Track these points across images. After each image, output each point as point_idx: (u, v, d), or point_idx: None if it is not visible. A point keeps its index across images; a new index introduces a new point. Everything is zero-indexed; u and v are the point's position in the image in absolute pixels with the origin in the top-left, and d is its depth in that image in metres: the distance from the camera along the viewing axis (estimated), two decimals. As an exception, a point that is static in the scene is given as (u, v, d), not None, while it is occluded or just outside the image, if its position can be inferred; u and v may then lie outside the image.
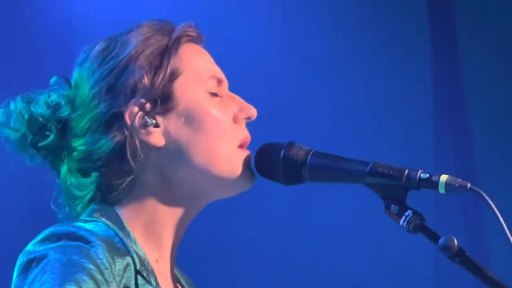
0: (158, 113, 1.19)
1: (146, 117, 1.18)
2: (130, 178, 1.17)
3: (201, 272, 3.06)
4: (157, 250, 1.20)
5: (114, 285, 1.06)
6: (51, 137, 1.18)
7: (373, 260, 3.37)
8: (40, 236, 1.08)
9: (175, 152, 1.18)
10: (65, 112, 1.18)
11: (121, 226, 1.15)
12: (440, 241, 1.12)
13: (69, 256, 1.04)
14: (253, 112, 1.24)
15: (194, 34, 1.25)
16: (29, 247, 1.08)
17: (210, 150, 1.19)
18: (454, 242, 1.12)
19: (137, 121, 1.17)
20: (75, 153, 1.18)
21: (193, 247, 3.08)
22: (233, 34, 3.54)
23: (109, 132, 1.16)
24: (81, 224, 1.11)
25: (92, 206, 1.18)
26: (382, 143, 3.42)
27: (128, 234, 1.15)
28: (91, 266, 1.03)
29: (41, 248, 1.06)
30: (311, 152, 1.22)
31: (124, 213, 1.18)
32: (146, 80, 1.17)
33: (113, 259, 1.07)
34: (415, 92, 3.73)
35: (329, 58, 3.56)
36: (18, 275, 1.07)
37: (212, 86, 1.23)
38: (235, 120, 1.23)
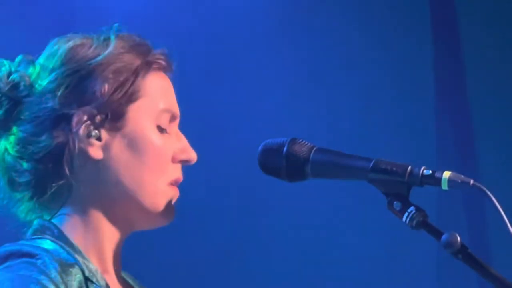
0: (105, 128, 1.18)
1: (91, 128, 1.17)
2: (62, 182, 1.17)
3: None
4: (101, 260, 1.21)
5: None
6: (0, 111, 1.18)
7: (375, 258, 3.40)
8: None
9: (110, 170, 1.19)
10: (21, 93, 1.18)
11: (65, 240, 1.16)
12: (443, 237, 1.12)
13: (17, 273, 1.05)
14: (192, 156, 1.25)
15: (164, 63, 1.24)
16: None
17: (140, 180, 1.19)
18: (457, 238, 1.11)
19: (82, 128, 1.16)
20: (12, 137, 1.18)
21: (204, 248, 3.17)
22: (235, 32, 3.58)
23: (53, 130, 1.16)
24: (25, 242, 1.13)
25: (34, 226, 1.18)
26: (384, 140, 3.44)
27: (72, 246, 1.15)
28: (41, 277, 1.05)
29: None
30: (314, 149, 1.22)
31: (65, 227, 1.18)
32: (104, 92, 1.17)
33: (61, 267, 1.08)
34: (417, 89, 3.75)
35: (331, 55, 3.58)
36: None
37: (164, 120, 1.23)
38: (173, 159, 1.24)
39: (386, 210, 1.19)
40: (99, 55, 1.18)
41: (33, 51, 1.31)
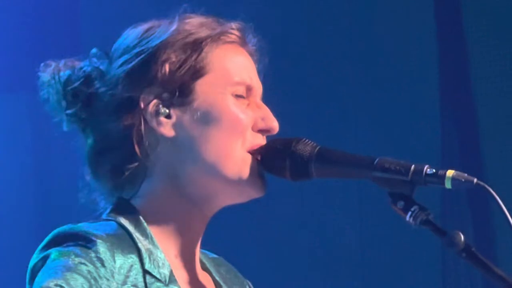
0: (174, 105, 1.17)
1: (160, 106, 1.16)
2: (135, 164, 1.16)
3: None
4: (175, 246, 1.18)
5: (113, 282, 1.06)
6: (78, 106, 1.19)
7: (379, 257, 3.38)
8: (45, 241, 1.10)
9: (184, 147, 1.16)
10: (93, 85, 1.18)
11: (138, 223, 1.15)
12: (447, 236, 1.11)
13: (67, 256, 1.05)
14: (274, 125, 1.21)
15: (237, 36, 1.22)
16: (36, 253, 1.10)
17: (219, 150, 1.16)
18: (461, 237, 1.10)
19: (150, 108, 1.16)
20: (93, 130, 1.19)
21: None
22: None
23: (122, 114, 1.16)
24: (85, 224, 1.12)
25: (111, 205, 1.18)
26: (388, 139, 3.46)
27: (144, 231, 1.14)
28: (86, 263, 1.04)
29: (45, 252, 1.08)
30: (318, 148, 1.20)
31: (141, 207, 1.17)
32: (167, 71, 1.16)
33: (113, 257, 1.07)
34: (422, 88, 3.75)
35: (334, 50, 3.57)
36: (28, 281, 1.10)
37: (238, 89, 1.20)
38: (253, 127, 1.20)
39: (390, 209, 1.19)
40: (162, 35, 1.17)
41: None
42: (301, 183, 1.24)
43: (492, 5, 3.79)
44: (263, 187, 1.20)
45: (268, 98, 1.25)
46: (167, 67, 1.16)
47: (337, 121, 3.39)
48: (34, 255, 1.10)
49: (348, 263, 3.54)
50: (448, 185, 1.13)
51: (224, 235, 3.11)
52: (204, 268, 1.26)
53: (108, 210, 1.18)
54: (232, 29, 1.22)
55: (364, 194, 3.29)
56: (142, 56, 1.16)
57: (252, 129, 1.20)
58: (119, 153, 1.17)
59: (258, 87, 1.23)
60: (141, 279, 1.10)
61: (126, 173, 1.17)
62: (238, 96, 1.19)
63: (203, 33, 1.19)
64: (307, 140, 1.21)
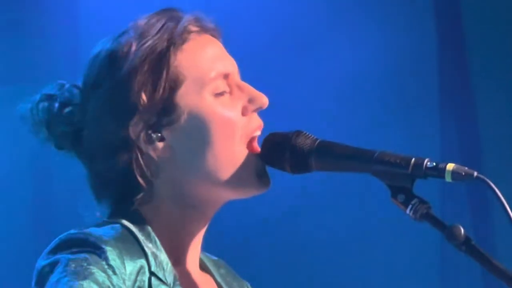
0: (163, 126, 1.15)
1: (150, 133, 1.14)
2: (141, 195, 1.16)
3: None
4: (178, 249, 1.19)
5: None
6: (68, 146, 1.18)
7: (379, 250, 3.41)
8: (52, 245, 1.09)
9: (183, 163, 1.16)
10: (77, 125, 1.17)
11: (142, 227, 1.15)
12: (447, 229, 1.11)
13: (78, 263, 1.05)
14: (264, 101, 1.19)
15: (193, 30, 1.19)
16: (43, 256, 1.09)
17: (216, 155, 1.15)
18: (461, 230, 1.11)
19: (142, 138, 1.14)
20: (92, 167, 1.18)
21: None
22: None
23: (118, 153, 1.15)
24: (93, 230, 1.11)
25: (115, 208, 1.18)
26: (387, 133, 3.48)
27: (148, 235, 1.14)
28: (99, 272, 1.04)
29: (53, 257, 1.07)
30: (318, 141, 1.20)
31: (147, 215, 1.17)
32: (144, 98, 1.14)
33: (123, 264, 1.07)
34: (421, 83, 3.76)
35: (335, 46, 3.58)
36: (35, 284, 1.09)
37: (217, 86, 1.18)
38: (244, 113, 1.19)
39: (388, 202, 1.19)
40: (127, 60, 1.15)
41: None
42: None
43: (492, 2, 3.83)
44: (266, 184, 1.20)
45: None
46: (143, 95, 1.13)
47: (335, 115, 3.40)
48: (42, 258, 1.09)
49: (347, 254, 3.62)
50: (448, 178, 1.13)
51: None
52: (206, 269, 1.26)
53: (111, 212, 1.18)
54: (188, 25, 1.18)
55: (360, 188, 3.32)
56: (117, 90, 1.14)
57: (244, 114, 1.19)
58: (123, 187, 1.16)
59: (233, 68, 1.21)
60: (147, 281, 1.10)
61: (135, 203, 1.16)
62: (218, 94, 1.17)
63: (163, 43, 1.15)
64: (307, 133, 1.21)
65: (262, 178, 1.19)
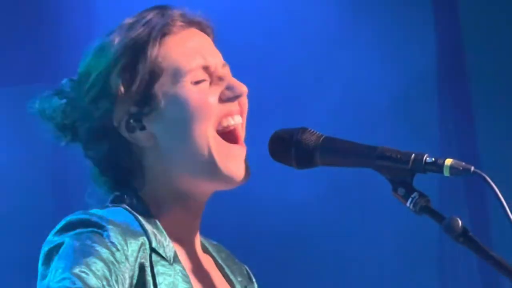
0: (143, 115, 1.19)
1: (131, 122, 1.19)
2: (135, 180, 1.21)
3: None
4: (177, 230, 1.22)
5: (127, 264, 1.10)
6: (68, 138, 1.23)
7: (381, 240, 3.43)
8: (58, 226, 1.13)
9: (165, 151, 1.20)
10: (72, 118, 1.22)
11: (143, 209, 1.19)
12: (445, 221, 1.14)
13: (83, 242, 1.09)
14: (242, 89, 1.22)
15: (180, 21, 1.22)
16: (49, 237, 1.13)
17: (192, 137, 1.19)
18: (458, 222, 1.13)
19: (123, 127, 1.19)
20: (86, 155, 1.24)
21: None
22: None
23: (102, 139, 1.20)
24: (96, 211, 1.15)
25: (117, 193, 1.22)
26: (388, 129, 3.50)
27: (148, 217, 1.18)
28: (102, 249, 1.08)
29: (59, 237, 1.12)
30: (322, 137, 1.23)
31: (146, 199, 1.21)
32: (122, 89, 1.17)
33: (125, 241, 1.11)
34: (421, 83, 3.77)
35: (333, 43, 3.60)
36: (42, 264, 1.13)
37: (196, 75, 1.20)
38: (221, 99, 1.21)
39: (386, 198, 1.22)
40: (108, 55, 1.19)
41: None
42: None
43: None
44: (243, 175, 1.22)
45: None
46: (121, 86, 1.17)
47: (336, 112, 3.42)
48: (48, 239, 1.13)
49: (349, 243, 3.64)
50: (446, 173, 1.16)
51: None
52: (207, 251, 1.30)
53: (112, 197, 1.22)
54: (173, 18, 1.22)
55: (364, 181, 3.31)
56: (100, 81, 1.18)
57: (222, 101, 1.21)
58: (118, 171, 1.22)
59: (215, 61, 1.22)
60: (148, 257, 1.13)
61: (130, 181, 1.21)
62: (197, 82, 1.19)
63: (144, 36, 1.19)
64: (312, 130, 1.24)
65: (236, 169, 1.21)
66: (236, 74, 1.27)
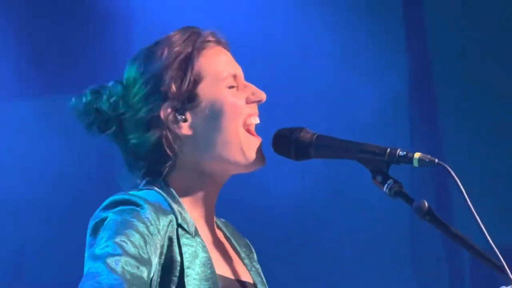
0: (186, 110, 1.42)
1: (177, 115, 1.41)
2: (169, 163, 1.42)
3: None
4: (197, 209, 1.44)
5: (159, 237, 1.31)
6: (113, 129, 1.44)
7: (362, 221, 3.66)
8: (103, 204, 1.34)
9: (201, 140, 1.42)
10: (121, 111, 1.42)
11: (169, 192, 1.40)
12: (415, 203, 1.34)
13: (123, 217, 1.30)
14: (263, 96, 1.47)
15: (212, 41, 1.47)
16: (96, 213, 1.34)
17: (224, 130, 1.41)
18: (425, 204, 1.33)
19: (170, 119, 1.41)
20: (129, 144, 1.44)
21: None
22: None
23: (151, 130, 1.41)
24: (135, 192, 1.36)
25: (148, 178, 1.43)
26: (368, 138, 3.64)
27: (174, 198, 1.40)
28: (139, 224, 1.29)
29: (104, 213, 1.32)
30: (316, 135, 1.44)
31: (172, 183, 1.42)
32: (174, 88, 1.41)
33: (157, 217, 1.32)
34: (395, 102, 3.92)
35: (320, 69, 3.80)
36: (90, 235, 1.33)
37: (229, 82, 1.45)
38: (248, 101, 1.45)
39: (370, 183, 1.41)
40: (160, 61, 1.42)
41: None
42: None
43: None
44: (262, 161, 1.46)
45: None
46: (173, 86, 1.41)
47: (320, 111, 3.65)
48: (94, 215, 1.33)
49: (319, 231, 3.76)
50: (415, 164, 1.36)
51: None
52: (218, 227, 1.53)
53: (144, 182, 1.43)
54: (207, 37, 1.47)
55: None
56: (152, 81, 1.41)
57: (247, 103, 1.45)
58: (154, 158, 1.43)
59: (240, 72, 1.49)
60: (175, 232, 1.34)
61: (164, 172, 1.42)
62: (230, 87, 1.44)
63: (188, 49, 1.44)
64: (308, 129, 1.45)
65: (260, 156, 1.45)
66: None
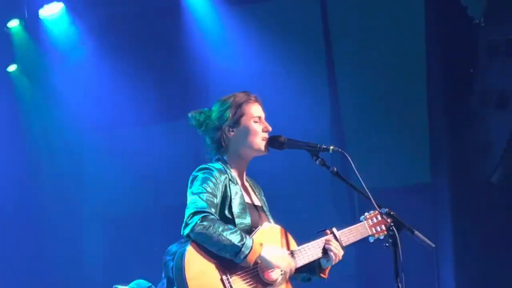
0: (233, 126, 2.75)
1: (230, 128, 2.77)
2: (224, 148, 2.84)
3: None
4: (237, 171, 2.81)
5: (220, 184, 2.64)
6: (203, 130, 2.80)
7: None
8: (196, 168, 2.76)
9: (239, 139, 2.78)
10: (207, 121, 2.77)
11: (225, 163, 2.79)
12: (331, 168, 2.61)
13: (205, 175, 2.65)
14: (269, 128, 2.76)
15: (252, 100, 2.79)
16: (193, 173, 2.68)
17: (250, 139, 2.75)
18: (335, 169, 2.62)
19: (226, 129, 2.77)
20: (209, 138, 2.84)
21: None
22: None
23: (218, 132, 2.81)
24: (210, 164, 2.78)
25: (217, 157, 2.81)
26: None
27: (227, 166, 2.79)
28: (212, 178, 2.65)
29: (196, 173, 2.69)
30: (286, 139, 2.77)
31: (227, 159, 2.79)
32: (231, 116, 2.75)
33: (220, 175, 2.67)
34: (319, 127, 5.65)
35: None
36: (189, 183, 2.66)
37: (255, 119, 2.72)
38: (263, 130, 2.75)
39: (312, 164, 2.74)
40: (227, 105, 2.74)
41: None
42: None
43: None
44: (267, 151, 2.75)
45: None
46: (230, 115, 2.74)
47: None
48: (192, 174, 2.67)
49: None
50: (331, 151, 2.65)
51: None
52: (247, 180, 2.85)
53: (215, 158, 2.77)
54: (251, 97, 2.79)
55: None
56: (222, 113, 2.74)
57: (262, 131, 2.77)
58: (217, 147, 2.78)
59: (262, 115, 2.79)
60: (228, 182, 2.68)
61: (222, 154, 2.77)
62: (255, 122, 2.75)
63: (241, 101, 2.76)
64: (282, 136, 2.78)
65: (267, 149, 2.75)
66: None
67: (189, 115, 2.79)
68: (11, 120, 6.15)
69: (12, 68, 6.05)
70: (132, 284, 3.40)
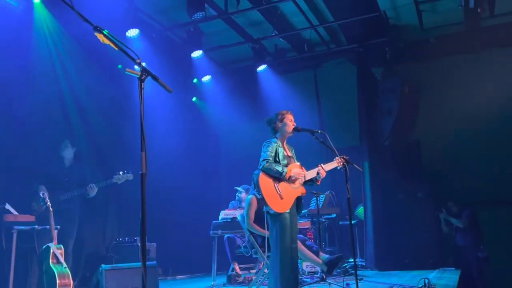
0: (279, 122, 6.49)
1: (278, 123, 6.58)
2: (276, 132, 6.68)
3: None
4: (281, 142, 6.55)
5: (274, 149, 6.41)
6: (272, 126, 6.67)
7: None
8: (265, 141, 6.64)
9: (281, 129, 6.59)
10: (272, 123, 6.66)
11: (276, 138, 6.53)
12: (320, 140, 6.59)
13: (268, 144, 6.47)
14: (294, 124, 6.49)
15: (289, 112, 6.58)
16: (264, 143, 6.51)
17: (284, 131, 6.55)
18: (321, 140, 6.56)
19: (278, 124, 6.55)
20: (272, 128, 6.78)
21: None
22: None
23: (275, 125, 6.64)
24: (271, 139, 6.52)
25: (274, 136, 6.59)
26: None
27: (277, 140, 6.50)
28: (271, 145, 6.44)
29: (265, 143, 6.48)
30: (300, 128, 6.69)
31: (278, 135, 6.56)
32: (280, 119, 6.51)
33: (274, 144, 6.46)
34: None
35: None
36: (262, 150, 6.46)
37: (290, 120, 6.42)
38: (292, 124, 6.44)
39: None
40: (279, 125, 6.54)
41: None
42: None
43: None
44: (293, 133, 6.51)
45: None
46: (279, 119, 6.51)
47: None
48: (264, 144, 6.50)
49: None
50: (320, 132, 6.42)
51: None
52: (286, 144, 6.60)
53: (274, 137, 6.51)
54: (289, 112, 6.54)
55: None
56: (275, 120, 6.55)
57: (292, 124, 6.55)
58: (274, 131, 6.55)
59: (292, 119, 6.49)
60: (276, 147, 6.47)
61: (276, 134, 6.59)
62: (290, 121, 6.45)
63: (286, 114, 6.52)
64: (299, 126, 6.69)
65: (292, 132, 6.50)
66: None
67: (266, 120, 6.57)
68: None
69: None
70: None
